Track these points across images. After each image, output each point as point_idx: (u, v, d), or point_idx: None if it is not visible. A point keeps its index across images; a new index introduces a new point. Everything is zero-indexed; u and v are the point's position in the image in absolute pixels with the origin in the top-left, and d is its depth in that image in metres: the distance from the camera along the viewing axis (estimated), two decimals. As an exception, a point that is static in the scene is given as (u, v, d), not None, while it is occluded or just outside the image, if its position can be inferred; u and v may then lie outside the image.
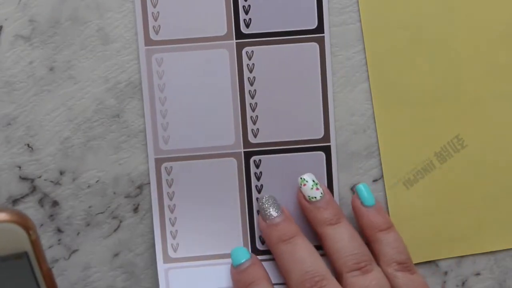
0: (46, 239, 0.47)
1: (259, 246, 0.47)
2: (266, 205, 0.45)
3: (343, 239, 0.42)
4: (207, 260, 0.47)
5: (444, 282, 0.48)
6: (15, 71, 0.45)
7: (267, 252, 0.47)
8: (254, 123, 0.46)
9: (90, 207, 0.47)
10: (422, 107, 0.46)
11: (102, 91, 0.46)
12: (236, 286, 0.44)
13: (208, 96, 0.45)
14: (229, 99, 0.46)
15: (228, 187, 0.46)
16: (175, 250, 0.47)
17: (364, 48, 0.46)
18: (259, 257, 0.46)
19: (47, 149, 0.46)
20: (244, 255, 0.45)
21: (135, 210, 0.47)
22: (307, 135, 0.46)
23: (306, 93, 0.46)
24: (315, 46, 0.45)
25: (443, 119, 0.46)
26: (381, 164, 0.47)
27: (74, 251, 0.47)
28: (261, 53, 0.45)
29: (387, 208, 0.47)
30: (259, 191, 0.46)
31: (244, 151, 0.46)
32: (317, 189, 0.45)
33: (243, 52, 0.45)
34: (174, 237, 0.47)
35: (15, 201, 0.46)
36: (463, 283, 0.48)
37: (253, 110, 0.46)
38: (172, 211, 0.46)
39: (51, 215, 0.47)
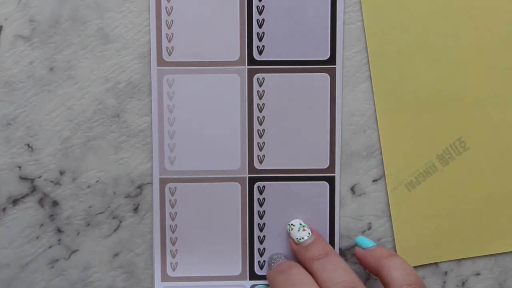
0: (46, 239, 0.47)
1: (257, 271, 0.47)
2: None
3: (329, 269, 0.42)
4: (205, 281, 0.47)
5: (444, 282, 0.48)
6: (15, 71, 0.45)
7: (264, 277, 0.47)
8: (261, 149, 0.46)
9: (90, 207, 0.47)
10: (424, 109, 0.46)
11: (102, 91, 0.46)
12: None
13: (216, 120, 0.46)
14: (237, 124, 0.46)
15: (231, 211, 0.47)
16: (173, 269, 0.47)
17: (364, 48, 0.46)
18: (256, 282, 0.47)
19: (47, 149, 0.46)
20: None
21: (135, 210, 0.47)
22: (312, 164, 0.46)
23: (314, 123, 0.46)
24: (326, 77, 0.45)
25: (445, 121, 0.46)
26: (381, 164, 0.47)
27: (74, 251, 0.47)
28: (272, 80, 0.46)
29: (389, 210, 0.47)
30: (261, 217, 0.47)
31: (248, 177, 0.46)
32: (304, 230, 0.45)
33: (254, 78, 0.46)
34: (173, 256, 0.47)
35: (15, 201, 0.46)
36: (463, 283, 0.48)
37: (261, 137, 0.46)
38: (173, 231, 0.47)
39: (51, 215, 0.47)
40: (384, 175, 0.47)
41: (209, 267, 0.47)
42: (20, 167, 0.46)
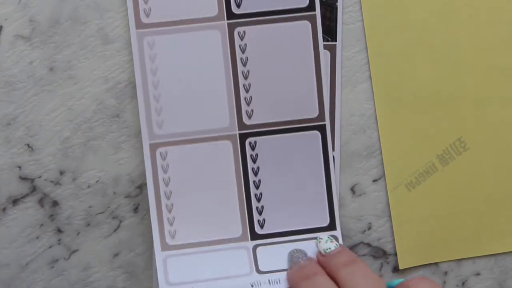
0: (46, 239, 0.47)
1: (258, 230, 0.46)
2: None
3: (358, 276, 0.40)
4: (206, 246, 0.46)
5: (444, 282, 0.48)
6: (15, 71, 0.45)
7: (265, 236, 0.46)
8: (248, 104, 0.45)
9: (90, 207, 0.47)
10: (424, 109, 0.46)
11: (102, 91, 0.46)
12: None
13: (201, 78, 0.45)
14: (222, 80, 0.45)
15: (224, 171, 0.46)
16: (172, 237, 0.46)
17: (364, 48, 0.46)
18: (258, 242, 0.46)
19: (47, 149, 0.46)
20: None
21: (135, 210, 0.47)
22: (302, 114, 0.45)
23: (299, 72, 0.45)
24: (307, 24, 0.45)
25: (445, 121, 0.46)
26: (381, 164, 0.47)
27: (74, 251, 0.47)
28: (253, 33, 0.45)
29: (389, 210, 0.47)
30: (255, 174, 0.46)
31: (239, 133, 0.45)
32: (332, 241, 0.44)
33: (235, 32, 0.45)
34: (171, 224, 0.46)
35: (15, 201, 0.46)
36: (463, 283, 0.48)
37: (247, 91, 0.45)
38: (168, 198, 0.46)
39: (51, 215, 0.47)
40: (384, 175, 0.47)
41: (209, 231, 0.46)
42: (20, 167, 0.46)
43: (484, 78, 0.46)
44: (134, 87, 0.46)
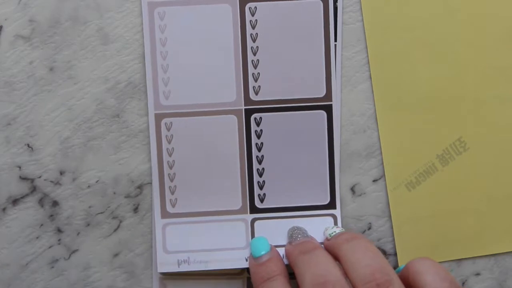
0: (46, 239, 0.47)
1: (258, 204, 0.46)
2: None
3: (358, 251, 0.40)
4: (206, 217, 0.46)
5: (444, 282, 0.48)
6: (15, 71, 0.45)
7: (266, 210, 0.46)
8: (256, 80, 0.46)
9: (90, 207, 0.47)
10: (424, 109, 0.46)
11: (102, 91, 0.46)
12: (253, 277, 0.44)
13: (210, 51, 0.45)
14: (231, 55, 0.45)
15: (228, 145, 0.46)
16: (173, 206, 0.46)
17: (364, 48, 0.46)
18: (257, 215, 0.46)
19: (47, 149, 0.46)
20: (264, 247, 0.44)
21: (135, 210, 0.47)
22: (309, 93, 0.46)
23: (308, 51, 0.45)
24: (318, 3, 0.45)
25: (445, 121, 0.46)
26: (381, 164, 0.47)
27: (74, 251, 0.47)
28: (264, 9, 0.45)
29: (389, 210, 0.47)
30: (259, 149, 0.46)
31: (245, 109, 0.46)
32: (338, 228, 0.45)
33: (246, 7, 0.45)
34: (172, 193, 0.46)
35: (15, 201, 0.46)
36: (463, 283, 0.48)
37: (255, 67, 0.45)
38: (171, 167, 0.46)
39: (51, 215, 0.47)
40: (384, 175, 0.47)
41: (209, 202, 0.46)
42: (20, 167, 0.46)
43: (484, 78, 0.46)
44: (134, 87, 0.46)
